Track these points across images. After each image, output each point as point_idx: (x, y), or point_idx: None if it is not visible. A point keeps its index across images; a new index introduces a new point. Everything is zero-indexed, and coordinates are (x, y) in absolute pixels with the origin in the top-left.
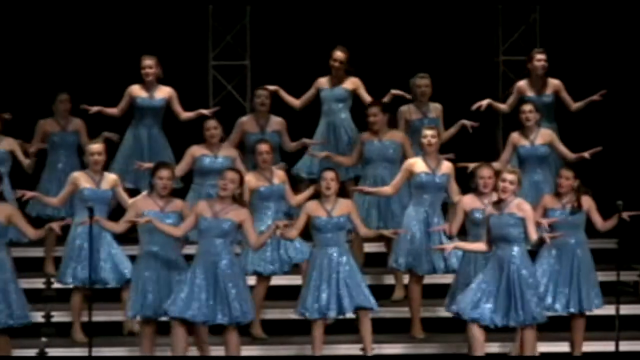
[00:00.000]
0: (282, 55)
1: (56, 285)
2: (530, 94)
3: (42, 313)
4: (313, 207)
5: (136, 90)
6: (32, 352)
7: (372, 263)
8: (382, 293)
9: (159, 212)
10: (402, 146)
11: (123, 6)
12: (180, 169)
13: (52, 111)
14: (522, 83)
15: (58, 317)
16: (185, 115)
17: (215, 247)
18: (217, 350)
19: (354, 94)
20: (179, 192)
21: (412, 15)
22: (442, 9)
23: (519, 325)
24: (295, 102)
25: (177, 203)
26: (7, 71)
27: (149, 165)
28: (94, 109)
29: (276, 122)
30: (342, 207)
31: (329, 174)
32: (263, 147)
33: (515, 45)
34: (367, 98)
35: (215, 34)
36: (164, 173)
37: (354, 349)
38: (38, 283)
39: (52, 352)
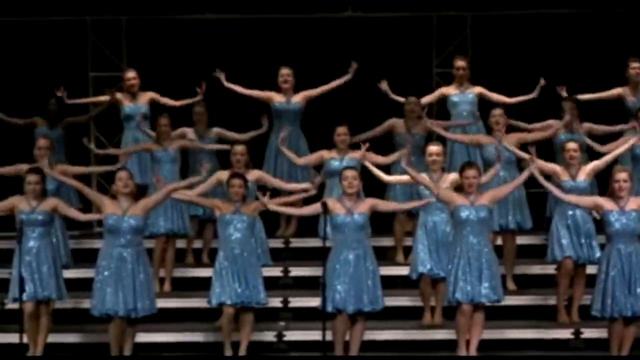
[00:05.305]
0: (502, 62)
1: (293, 274)
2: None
3: (280, 299)
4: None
5: (274, 96)
6: (270, 335)
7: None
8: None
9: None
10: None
11: (352, 25)
12: (307, 164)
13: None
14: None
15: (294, 302)
16: (335, 83)
17: None
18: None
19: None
20: None
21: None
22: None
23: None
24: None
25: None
26: None
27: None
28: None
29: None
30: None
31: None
32: (433, 148)
33: None
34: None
35: (438, 43)
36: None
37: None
38: (276, 271)
39: (289, 335)
